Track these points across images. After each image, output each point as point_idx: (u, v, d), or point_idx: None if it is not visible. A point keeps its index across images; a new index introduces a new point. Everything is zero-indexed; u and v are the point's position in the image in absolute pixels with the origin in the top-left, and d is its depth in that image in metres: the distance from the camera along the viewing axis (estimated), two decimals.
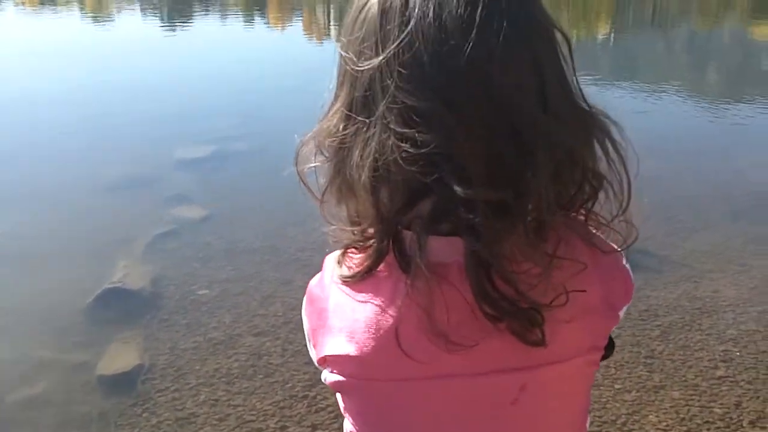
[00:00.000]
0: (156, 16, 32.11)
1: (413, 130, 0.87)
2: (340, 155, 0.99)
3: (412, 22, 0.88)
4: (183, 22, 28.80)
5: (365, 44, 0.93)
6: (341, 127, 0.98)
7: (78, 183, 7.97)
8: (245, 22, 29.66)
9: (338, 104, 0.99)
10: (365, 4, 0.95)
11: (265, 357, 4.62)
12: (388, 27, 0.90)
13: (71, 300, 5.44)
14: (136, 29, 25.84)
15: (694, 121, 11.45)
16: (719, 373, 4.38)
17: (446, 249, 0.93)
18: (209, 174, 8.39)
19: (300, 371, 4.41)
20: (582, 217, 1.01)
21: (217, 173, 8.47)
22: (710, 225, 6.48)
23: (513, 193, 0.90)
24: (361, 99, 0.94)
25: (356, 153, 0.94)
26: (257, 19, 31.41)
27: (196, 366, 4.55)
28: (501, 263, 0.91)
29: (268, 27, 28.45)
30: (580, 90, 0.98)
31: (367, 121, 0.93)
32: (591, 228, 1.01)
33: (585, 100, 0.97)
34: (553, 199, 0.93)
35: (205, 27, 27.10)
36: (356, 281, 1.03)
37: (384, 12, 0.91)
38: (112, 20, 29.58)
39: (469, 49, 0.86)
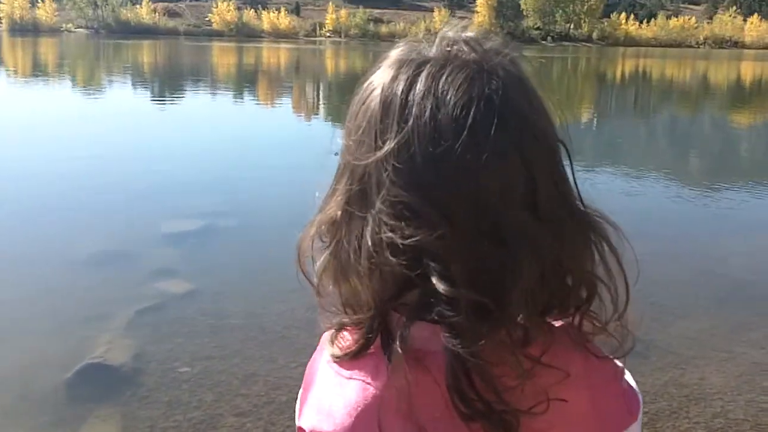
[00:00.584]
0: (147, 90, 32.49)
1: (402, 224, 0.89)
2: (337, 243, 0.99)
3: (410, 121, 0.89)
4: (173, 96, 29.13)
5: (365, 135, 0.95)
6: (339, 216, 0.98)
7: (61, 255, 7.94)
8: (235, 98, 30.04)
9: (337, 194, 1.00)
10: (368, 95, 0.97)
11: None
12: (388, 121, 0.92)
13: (49, 375, 5.33)
14: (126, 102, 26.10)
15: (676, 206, 11.60)
16: None
17: (431, 337, 0.92)
18: (194, 249, 8.39)
19: None
20: (576, 321, 0.99)
21: (202, 248, 8.46)
22: (695, 311, 6.51)
23: (495, 298, 0.89)
24: (358, 190, 0.95)
25: (353, 242, 0.95)
26: (247, 95, 31.80)
27: None
28: (479, 363, 0.89)
29: (257, 104, 28.79)
30: (578, 190, 0.98)
31: (363, 212, 0.94)
32: (586, 332, 0.99)
33: (582, 201, 0.97)
34: (540, 304, 0.92)
35: (195, 102, 27.42)
36: (344, 360, 1.02)
37: (385, 106, 0.93)
38: (102, 92, 29.88)
39: (459, 151, 0.87)
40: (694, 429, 4.67)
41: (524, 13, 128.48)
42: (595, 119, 26.10)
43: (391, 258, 0.90)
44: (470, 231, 0.88)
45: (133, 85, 34.16)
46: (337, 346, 1.02)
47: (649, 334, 5.76)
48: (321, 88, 37.96)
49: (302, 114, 25.88)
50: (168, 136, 17.41)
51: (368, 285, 0.95)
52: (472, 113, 0.88)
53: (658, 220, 10.29)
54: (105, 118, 20.58)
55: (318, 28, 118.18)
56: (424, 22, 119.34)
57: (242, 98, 30.25)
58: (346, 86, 38.93)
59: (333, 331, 1.05)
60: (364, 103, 0.97)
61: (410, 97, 0.91)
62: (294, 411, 1.15)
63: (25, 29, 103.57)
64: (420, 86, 0.91)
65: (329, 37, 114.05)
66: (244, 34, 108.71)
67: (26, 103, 24.21)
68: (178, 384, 5.20)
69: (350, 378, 1.00)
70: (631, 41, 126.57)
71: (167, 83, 36.10)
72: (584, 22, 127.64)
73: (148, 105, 25.95)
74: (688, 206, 11.55)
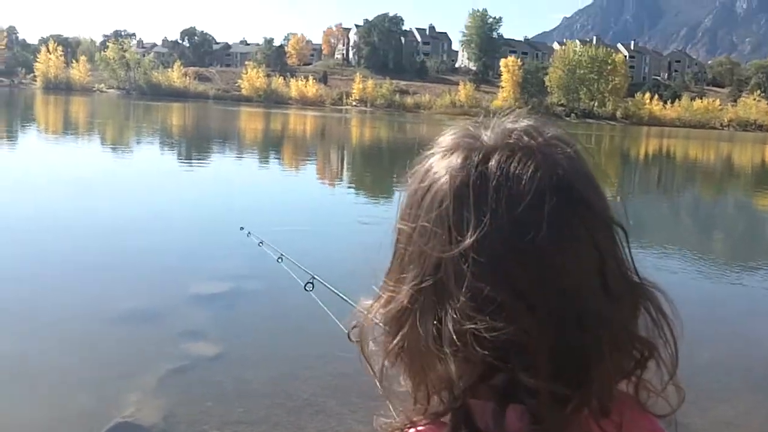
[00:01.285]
0: (174, 151, 32.91)
1: (487, 317, 0.89)
2: (409, 331, 0.98)
3: (488, 213, 0.91)
4: (200, 158, 29.47)
5: (437, 226, 0.94)
6: (407, 305, 0.98)
7: (94, 312, 8.00)
8: (261, 162, 30.34)
9: (405, 283, 0.98)
10: (434, 182, 0.97)
11: None
12: (464, 213, 0.92)
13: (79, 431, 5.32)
14: (154, 162, 26.44)
15: (704, 285, 11.53)
16: None
17: (515, 420, 0.94)
18: (222, 311, 8.44)
19: None
20: (633, 385, 1.01)
21: (229, 311, 8.52)
22: (731, 395, 6.43)
23: (578, 384, 0.92)
24: (433, 281, 0.94)
25: (429, 331, 0.94)
26: (272, 159, 32.11)
27: None
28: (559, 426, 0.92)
29: (282, 168, 29.08)
30: (633, 262, 1.01)
31: (441, 303, 0.93)
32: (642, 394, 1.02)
33: (636, 273, 1.01)
34: (615, 378, 0.97)
35: (222, 164, 27.70)
36: None
37: (458, 196, 0.93)
38: (131, 151, 30.32)
39: (539, 242, 0.89)
40: None
41: (548, 89, 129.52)
42: (618, 196, 26.04)
43: (477, 349, 0.90)
44: (554, 320, 0.90)
45: (161, 145, 34.67)
46: None
47: (687, 417, 5.67)
48: (345, 155, 38.29)
49: (326, 180, 26.10)
50: (194, 198, 17.62)
51: (450, 372, 0.93)
52: (546, 203, 0.91)
53: (686, 300, 10.18)
54: (134, 177, 20.92)
55: (344, 97, 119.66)
56: (450, 95, 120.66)
57: (268, 162, 30.58)
58: (371, 154, 39.28)
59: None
60: (428, 191, 0.97)
61: (484, 188, 0.92)
62: None
63: (59, 87, 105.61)
64: (492, 176, 0.92)
65: (355, 106, 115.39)
66: (272, 100, 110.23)
67: (56, 159, 24.58)
68: None
69: None
70: (655, 121, 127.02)
71: (195, 145, 36.57)
72: (608, 100, 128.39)
73: (177, 166, 26.28)
74: (716, 286, 11.48)
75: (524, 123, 0.99)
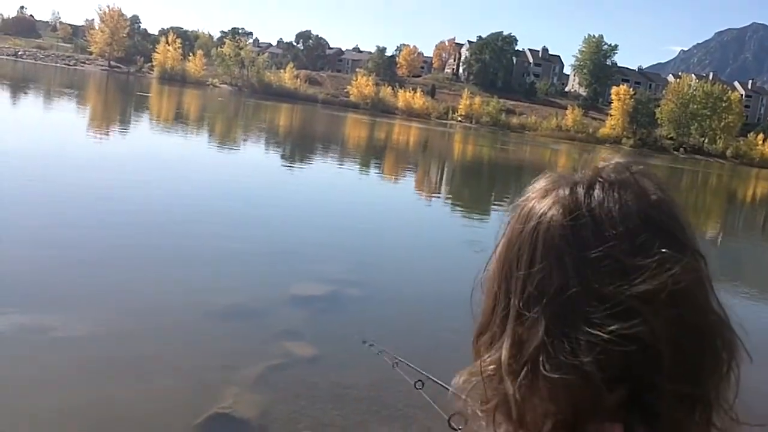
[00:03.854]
0: (278, 151, 33.52)
1: (616, 323, 0.95)
2: (541, 363, 0.99)
3: (604, 233, 0.98)
4: (304, 160, 29.94)
5: (559, 257, 1.00)
6: (543, 334, 1.00)
7: (195, 305, 8.24)
8: (361, 169, 30.60)
9: (534, 323, 1.01)
10: (540, 221, 1.02)
11: None
12: (583, 234, 0.99)
13: (180, 419, 5.55)
14: (258, 160, 27.02)
15: None
16: None
17: None
18: (320, 313, 8.58)
19: None
20: None
21: (327, 314, 8.66)
22: None
23: (695, 385, 0.98)
24: (556, 305, 0.99)
25: (562, 353, 0.97)
26: (373, 167, 32.34)
27: None
28: None
29: (381, 178, 29.26)
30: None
31: (567, 325, 0.98)
32: None
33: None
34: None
35: (323, 168, 28.08)
36: None
37: (574, 223, 1.00)
38: (237, 148, 31.03)
39: (650, 258, 0.96)
40: None
41: (658, 121, 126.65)
42: (720, 236, 25.43)
43: (616, 349, 0.95)
44: (675, 325, 0.97)
45: (266, 143, 35.35)
46: None
47: None
48: (446, 169, 38.30)
49: (424, 192, 26.18)
50: (297, 199, 17.92)
51: (579, 391, 0.98)
52: (655, 220, 1.00)
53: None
54: (239, 174, 21.30)
55: (450, 112, 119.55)
56: (556, 118, 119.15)
57: (368, 170, 30.82)
58: (471, 170, 39.12)
59: None
60: (538, 223, 1.02)
61: (597, 209, 1.00)
62: None
63: (174, 79, 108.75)
64: (600, 199, 1.01)
65: (460, 121, 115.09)
66: (379, 108, 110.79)
67: (163, 150, 25.32)
68: None
69: None
70: (765, 163, 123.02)
71: (300, 147, 37.18)
72: (720, 138, 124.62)
73: (280, 166, 26.79)
74: None
75: (614, 161, 1.06)
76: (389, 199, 21.91)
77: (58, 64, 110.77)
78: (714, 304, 1.02)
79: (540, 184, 1.07)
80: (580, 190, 1.02)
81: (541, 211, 1.03)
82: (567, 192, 1.02)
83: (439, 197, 25.67)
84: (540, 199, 1.04)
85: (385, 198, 22.17)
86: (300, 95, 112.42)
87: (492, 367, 1.06)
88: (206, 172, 20.25)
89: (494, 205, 25.11)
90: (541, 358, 1.00)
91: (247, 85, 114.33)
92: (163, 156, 22.73)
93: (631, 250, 0.98)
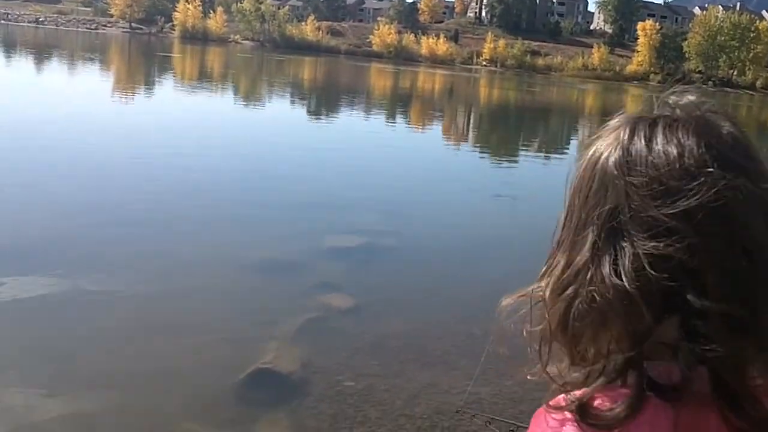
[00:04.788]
0: (304, 106, 33.47)
1: (661, 243, 0.97)
2: (589, 287, 1.00)
3: (659, 160, 1.00)
4: (331, 113, 29.87)
5: (614, 180, 1.03)
6: (588, 257, 1.02)
7: (233, 262, 8.31)
8: (388, 118, 30.50)
9: (578, 245, 1.05)
10: (600, 155, 1.07)
11: None
12: (637, 165, 1.02)
13: (223, 375, 5.59)
14: (285, 115, 27.02)
15: None
16: None
17: (700, 381, 0.96)
18: (356, 265, 8.61)
19: None
20: None
21: (365, 265, 8.70)
22: None
23: (745, 308, 0.96)
24: (607, 230, 1.02)
25: (606, 280, 0.99)
26: (399, 116, 32.22)
27: None
28: (743, 382, 0.96)
29: (408, 127, 29.17)
30: None
31: (615, 247, 1.01)
32: None
33: None
34: None
35: (350, 120, 28.02)
36: (617, 427, 0.96)
37: (632, 153, 1.03)
38: (263, 104, 31.00)
39: (706, 180, 0.97)
40: None
41: (686, 55, 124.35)
42: None
43: (655, 270, 0.96)
44: (720, 245, 0.97)
45: (291, 98, 35.29)
46: (596, 410, 0.98)
47: None
48: (472, 115, 38.07)
49: (451, 139, 26.08)
50: (326, 152, 17.85)
51: (625, 314, 0.98)
52: (714, 153, 1.00)
53: None
54: (267, 130, 21.41)
55: (475, 57, 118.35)
56: (582, 57, 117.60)
57: (395, 120, 30.71)
58: (498, 114, 38.85)
59: (570, 397, 1.00)
60: (599, 160, 1.06)
61: (654, 146, 1.02)
62: None
63: (195, 37, 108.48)
64: (660, 138, 1.02)
65: (485, 66, 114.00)
66: (402, 57, 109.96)
67: (192, 109, 25.37)
68: (343, 398, 5.34)
69: None
70: None
71: (325, 99, 37.08)
72: (749, 69, 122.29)
73: (308, 120, 26.79)
74: None
75: (687, 97, 1.08)
76: (418, 148, 21.84)
77: (79, 29, 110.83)
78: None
79: (611, 122, 1.11)
80: (642, 128, 1.05)
81: (604, 144, 1.07)
82: (630, 128, 1.06)
83: (467, 143, 25.57)
84: (607, 135, 1.08)
85: (414, 147, 22.09)
86: (322, 47, 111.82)
87: (542, 291, 1.08)
88: (234, 130, 20.26)
89: (522, 149, 24.97)
90: (586, 281, 1.02)
91: (269, 39, 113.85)
92: (191, 116, 22.73)
93: (681, 175, 0.99)
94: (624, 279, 0.98)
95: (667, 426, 0.97)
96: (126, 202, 10.57)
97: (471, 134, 29.63)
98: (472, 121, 35.29)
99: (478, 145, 25.38)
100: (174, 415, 5.12)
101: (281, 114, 27.39)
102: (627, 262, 0.98)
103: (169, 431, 4.96)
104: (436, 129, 29.45)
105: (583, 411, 0.98)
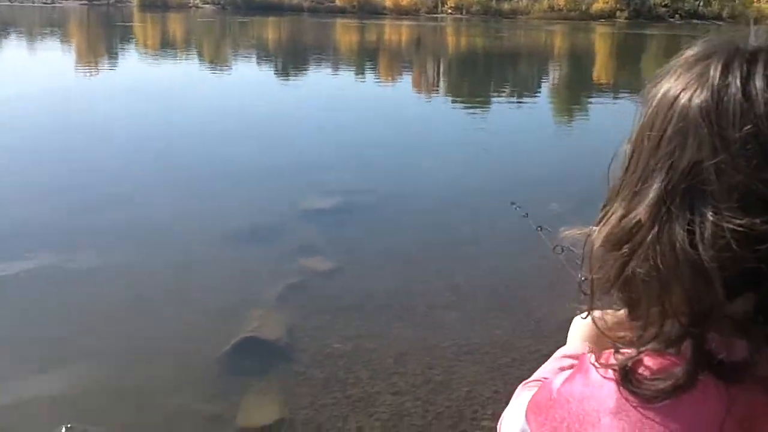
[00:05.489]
0: (271, 67, 33.08)
1: (751, 214, 0.83)
2: (650, 246, 0.89)
3: (758, 112, 0.85)
4: (298, 73, 29.58)
5: (689, 133, 0.88)
6: (650, 214, 0.89)
7: (208, 228, 8.22)
8: (357, 74, 30.27)
9: (642, 196, 0.92)
10: (679, 93, 0.91)
11: (407, 418, 4.59)
12: (729, 116, 0.85)
13: (209, 347, 5.52)
14: (252, 77, 26.73)
15: None
16: None
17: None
18: (334, 226, 8.52)
19: None
20: None
21: (341, 226, 8.60)
22: None
23: None
24: (683, 188, 0.87)
25: (681, 237, 0.86)
26: (368, 72, 31.97)
27: (337, 423, 4.55)
28: None
29: (378, 81, 28.96)
30: None
31: (692, 209, 0.86)
32: None
33: None
34: None
35: (318, 78, 27.77)
36: (660, 400, 0.89)
37: (719, 101, 0.86)
38: (229, 68, 30.60)
39: None
40: None
41: None
42: None
43: (743, 248, 0.83)
44: None
45: (257, 59, 34.86)
46: (640, 382, 0.90)
47: None
48: (441, 65, 37.82)
49: (422, 91, 25.92)
50: (295, 112, 17.67)
51: (693, 288, 0.86)
52: None
53: None
54: (234, 93, 21.20)
55: (440, 5, 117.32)
56: None
57: (364, 75, 30.42)
58: (467, 62, 38.71)
59: (618, 357, 0.93)
60: (678, 98, 0.91)
61: (750, 88, 0.86)
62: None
63: (155, 5, 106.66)
64: (759, 77, 0.87)
65: (450, 14, 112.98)
66: (366, 11, 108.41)
67: (157, 76, 25.06)
68: (332, 361, 5.31)
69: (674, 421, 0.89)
70: (764, 20, 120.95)
71: (291, 59, 36.67)
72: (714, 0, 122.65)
73: (275, 81, 26.47)
74: None
75: None
76: (389, 102, 21.69)
77: (35, 4, 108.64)
78: None
79: (692, 50, 0.95)
80: (737, 64, 0.89)
81: (684, 85, 0.92)
82: (720, 66, 0.90)
83: (438, 94, 25.42)
84: (687, 70, 0.93)
85: (385, 101, 21.93)
86: (285, 6, 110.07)
87: (596, 239, 0.98)
88: (201, 96, 20.02)
89: (493, 95, 24.88)
90: (647, 242, 0.90)
91: (230, 2, 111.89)
92: (157, 84, 22.46)
93: None
94: (701, 250, 0.85)
95: (718, 411, 0.87)
96: (95, 174, 10.49)
97: (441, 84, 29.50)
98: (441, 70, 35.04)
99: (449, 94, 25.28)
100: (162, 390, 5.05)
101: (248, 76, 27.10)
102: (707, 234, 0.85)
103: (158, 406, 4.87)
104: (406, 81, 29.25)
105: (626, 374, 0.91)
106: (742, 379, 0.86)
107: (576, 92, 26.79)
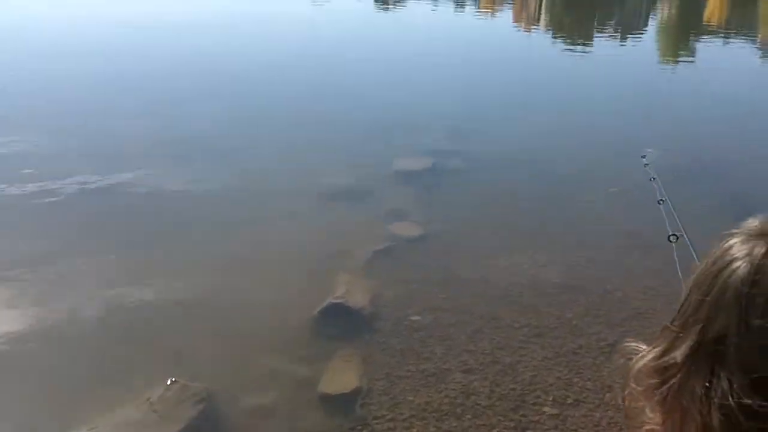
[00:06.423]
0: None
1: (759, 397, 0.98)
2: (677, 386, 1.09)
3: None
4: (396, 3, 29.07)
5: (724, 303, 1.04)
6: (682, 360, 1.08)
7: (296, 187, 8.48)
8: (457, 6, 29.85)
9: (685, 341, 1.09)
10: (731, 262, 1.05)
11: (473, 396, 4.91)
12: (757, 300, 1.00)
13: (297, 311, 5.92)
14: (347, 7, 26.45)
15: None
16: None
17: None
18: (426, 190, 8.59)
19: (506, 417, 4.70)
20: None
21: (433, 190, 8.66)
22: None
23: None
24: (712, 350, 1.04)
25: (698, 390, 1.04)
26: (468, 4, 31.41)
27: (409, 396, 4.91)
28: None
29: (477, 14, 28.58)
30: None
31: (711, 369, 1.03)
32: None
33: None
34: None
35: (417, 10, 27.35)
36: None
37: (756, 285, 1.01)
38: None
39: None
40: None
41: None
42: None
43: (744, 422, 0.98)
44: None
45: None
46: None
47: None
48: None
49: (522, 26, 25.48)
50: (392, 54, 17.53)
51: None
52: None
53: None
54: (327, 30, 20.91)
55: None
56: None
57: (463, 7, 29.86)
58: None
59: None
60: (726, 269, 1.06)
61: None
62: None
63: None
64: None
65: None
66: None
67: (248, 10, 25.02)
68: (410, 333, 5.66)
69: None
70: None
71: None
72: None
73: (372, 12, 26.15)
74: None
75: None
76: (484, 40, 21.32)
77: None
78: None
79: (752, 224, 1.10)
80: None
81: (733, 257, 1.06)
82: (764, 249, 1.03)
83: (539, 31, 24.98)
84: (742, 243, 1.07)
85: (480, 38, 21.56)
86: None
87: (640, 360, 1.16)
88: (289, 30, 19.94)
89: (597, 32, 24.32)
90: (675, 384, 1.08)
91: None
92: (250, 17, 22.40)
93: None
94: (711, 411, 1.01)
95: None
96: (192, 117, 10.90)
97: (543, 19, 28.76)
98: (543, 4, 33.97)
99: (550, 32, 24.72)
100: (254, 350, 5.49)
101: (342, 8, 26.71)
102: (718, 398, 1.00)
103: (250, 365, 5.30)
104: (506, 15, 28.62)
105: None
106: None
107: (686, 32, 25.94)
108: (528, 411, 4.78)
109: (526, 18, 28.71)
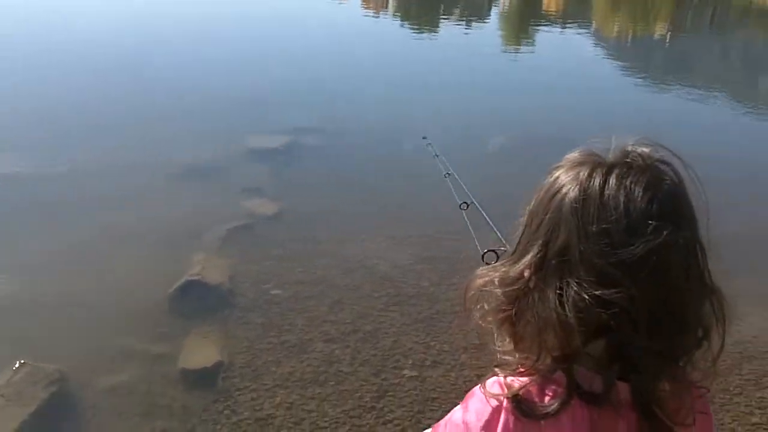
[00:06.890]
0: None
1: (603, 288, 1.17)
2: (529, 298, 1.27)
3: (609, 211, 1.19)
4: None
5: (562, 220, 1.24)
6: (528, 276, 1.28)
7: (151, 168, 8.31)
8: None
9: (525, 259, 1.28)
10: (562, 186, 1.25)
11: (336, 364, 4.98)
12: (589, 210, 1.21)
13: (153, 289, 5.82)
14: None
15: (741, 128, 11.82)
16: (754, 419, 4.65)
17: (621, 391, 1.24)
18: (281, 167, 8.66)
19: (368, 381, 4.79)
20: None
21: (289, 167, 8.74)
22: (755, 267, 6.48)
23: (668, 345, 1.21)
24: (557, 261, 1.24)
25: (550, 299, 1.23)
26: None
27: (272, 367, 4.93)
28: (657, 395, 1.23)
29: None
30: (709, 270, 1.28)
31: (562, 277, 1.22)
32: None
33: (710, 277, 1.28)
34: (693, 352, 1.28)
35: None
36: (541, 417, 1.23)
37: (586, 198, 1.21)
38: None
39: (648, 235, 1.17)
40: (744, 386, 4.95)
41: None
42: (669, 35, 25.56)
43: (597, 309, 1.18)
44: (652, 294, 1.18)
45: None
46: (529, 402, 1.25)
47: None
48: None
49: (371, 11, 25.61)
50: (239, 45, 17.11)
51: (562, 335, 1.23)
52: (655, 208, 1.20)
53: (722, 143, 10.55)
54: (176, 20, 20.46)
55: None
56: None
57: None
58: None
59: (506, 384, 1.28)
60: (558, 192, 1.26)
61: (606, 193, 1.21)
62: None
63: None
64: (613, 185, 1.21)
65: None
66: None
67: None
68: (270, 306, 5.67)
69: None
70: None
71: None
72: None
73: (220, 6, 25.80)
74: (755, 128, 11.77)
75: (640, 148, 1.26)
76: (335, 27, 21.35)
77: None
78: (697, 278, 1.25)
79: (572, 156, 1.30)
80: (599, 172, 1.23)
81: (563, 183, 1.26)
82: (587, 172, 1.24)
83: (387, 12, 25.19)
84: (567, 171, 1.28)
85: (330, 25, 21.59)
86: None
87: (494, 279, 1.34)
88: (136, 19, 19.55)
89: (442, 18, 24.73)
90: (531, 299, 1.27)
91: None
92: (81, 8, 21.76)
93: (626, 229, 1.18)
94: (567, 310, 1.20)
95: (585, 425, 1.24)
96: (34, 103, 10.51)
97: (391, 6, 29.04)
98: None
99: (398, 14, 24.97)
100: (108, 330, 5.37)
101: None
102: (571, 298, 1.20)
103: (104, 345, 5.17)
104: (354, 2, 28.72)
105: (518, 402, 1.26)
106: (600, 404, 1.24)
107: (525, 21, 26.74)
108: (389, 374, 4.88)
109: (374, 4, 28.83)
